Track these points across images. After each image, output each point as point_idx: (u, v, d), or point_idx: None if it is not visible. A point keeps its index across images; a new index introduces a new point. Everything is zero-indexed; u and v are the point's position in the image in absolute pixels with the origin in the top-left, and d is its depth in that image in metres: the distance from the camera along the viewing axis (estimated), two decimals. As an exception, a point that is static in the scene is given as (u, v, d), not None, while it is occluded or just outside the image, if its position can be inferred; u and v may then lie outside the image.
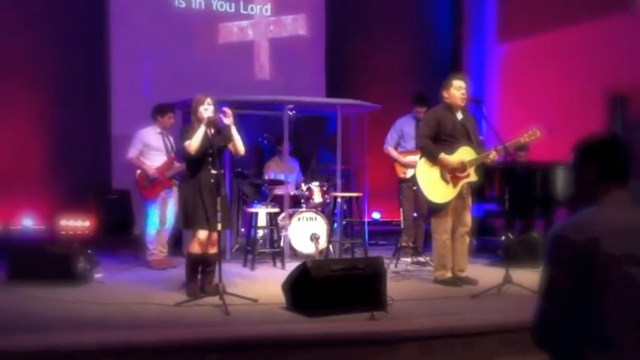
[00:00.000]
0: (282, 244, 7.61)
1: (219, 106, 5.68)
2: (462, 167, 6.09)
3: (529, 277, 5.67)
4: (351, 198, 7.85)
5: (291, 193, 8.04)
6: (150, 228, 7.15)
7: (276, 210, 7.58)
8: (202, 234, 5.55)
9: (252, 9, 10.34)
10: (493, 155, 6.06)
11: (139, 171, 7.17)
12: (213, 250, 5.60)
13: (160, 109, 7.32)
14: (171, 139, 7.26)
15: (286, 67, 10.34)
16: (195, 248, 5.61)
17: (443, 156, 6.07)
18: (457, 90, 6.17)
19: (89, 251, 6.25)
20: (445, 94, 6.22)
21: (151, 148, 7.21)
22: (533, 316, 2.23)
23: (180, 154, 6.18)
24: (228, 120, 5.53)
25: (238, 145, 5.64)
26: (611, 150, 2.29)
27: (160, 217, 7.15)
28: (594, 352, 2.11)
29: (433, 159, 6.13)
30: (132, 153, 7.18)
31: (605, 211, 2.22)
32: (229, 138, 5.63)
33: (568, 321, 2.15)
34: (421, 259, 7.34)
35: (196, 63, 9.59)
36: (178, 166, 7.04)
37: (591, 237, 2.14)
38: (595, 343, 2.12)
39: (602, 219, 2.19)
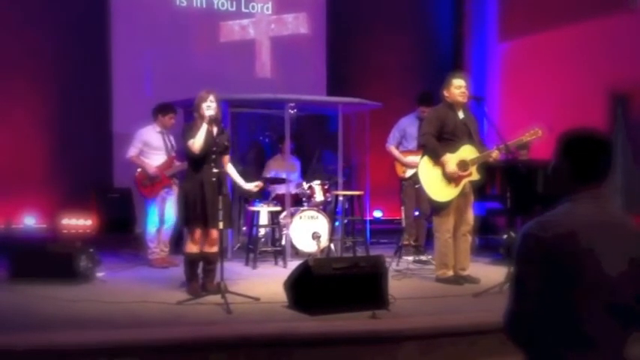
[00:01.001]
0: (283, 242, 7.61)
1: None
2: (464, 166, 6.08)
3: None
4: (352, 196, 7.85)
5: (293, 192, 8.03)
6: (150, 227, 7.15)
7: (278, 208, 7.58)
8: (196, 233, 5.55)
9: (253, 7, 10.33)
10: (495, 154, 6.05)
11: (139, 170, 7.17)
12: (213, 249, 5.59)
13: (162, 108, 7.30)
14: (172, 138, 7.25)
15: (287, 65, 10.33)
16: (191, 248, 5.61)
17: (445, 159, 6.06)
18: (457, 89, 6.17)
19: (91, 250, 6.25)
20: (445, 93, 6.22)
21: (151, 147, 7.20)
22: (503, 316, 2.20)
23: (181, 152, 6.17)
24: (254, 188, 5.98)
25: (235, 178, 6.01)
26: (588, 150, 2.22)
27: (159, 215, 7.15)
28: (572, 351, 2.09)
29: (436, 157, 6.12)
30: (132, 152, 7.18)
31: (574, 208, 2.19)
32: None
33: (542, 320, 2.11)
34: (423, 257, 7.33)
35: (197, 61, 9.59)
36: (178, 165, 7.04)
37: (558, 233, 2.11)
38: (573, 343, 2.09)
39: (571, 215, 2.16)
